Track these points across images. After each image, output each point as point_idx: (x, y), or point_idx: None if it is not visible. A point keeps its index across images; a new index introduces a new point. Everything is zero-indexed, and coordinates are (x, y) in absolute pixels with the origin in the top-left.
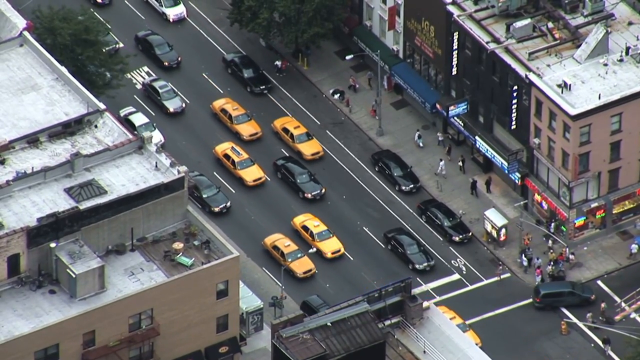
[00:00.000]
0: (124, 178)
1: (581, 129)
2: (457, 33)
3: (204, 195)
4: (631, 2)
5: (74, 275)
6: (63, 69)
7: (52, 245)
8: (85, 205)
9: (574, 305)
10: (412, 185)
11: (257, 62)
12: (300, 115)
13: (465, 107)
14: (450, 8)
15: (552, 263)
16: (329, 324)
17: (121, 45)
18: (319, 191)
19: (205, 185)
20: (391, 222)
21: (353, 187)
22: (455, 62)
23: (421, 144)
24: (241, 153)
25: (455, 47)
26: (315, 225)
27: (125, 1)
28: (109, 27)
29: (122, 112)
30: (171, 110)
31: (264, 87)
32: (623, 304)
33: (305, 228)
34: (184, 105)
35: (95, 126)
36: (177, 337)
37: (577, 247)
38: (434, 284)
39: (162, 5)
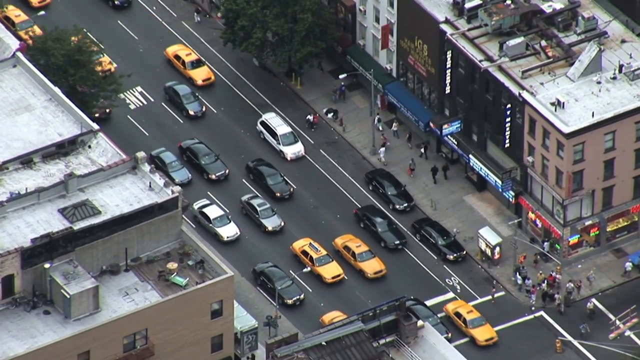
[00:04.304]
0: (118, 198)
1: (575, 147)
2: (450, 52)
3: (278, 287)
4: (624, 20)
5: (68, 296)
6: (56, 90)
7: (47, 265)
8: (79, 225)
9: None
10: (406, 204)
11: (384, 215)
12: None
13: (459, 125)
14: (444, 27)
15: (544, 282)
16: (323, 343)
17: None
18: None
19: (279, 277)
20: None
21: (347, 206)
22: (448, 80)
23: (380, 128)
24: (319, 249)
25: (448, 65)
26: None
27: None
28: (102, 47)
29: (197, 205)
30: (269, 228)
31: (399, 242)
32: (617, 322)
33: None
34: (282, 223)
35: (89, 146)
36: (171, 357)
37: (571, 265)
38: (429, 302)
39: (279, 143)
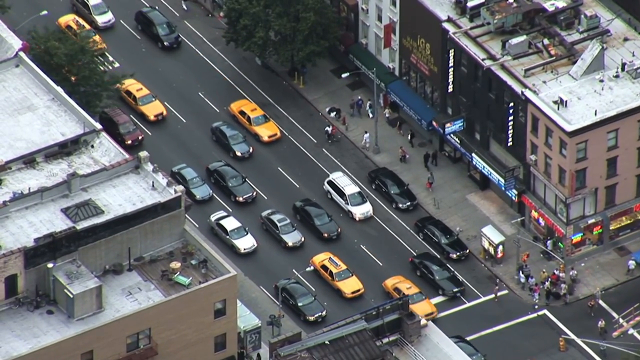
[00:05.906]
0: (120, 198)
1: (577, 145)
2: (452, 50)
3: (299, 304)
4: (626, 19)
5: (71, 296)
6: (59, 89)
7: (50, 265)
8: (82, 225)
9: None
10: (409, 203)
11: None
12: (296, 133)
13: (462, 124)
14: (446, 25)
15: (547, 280)
16: (326, 342)
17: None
18: None
19: (301, 293)
20: (388, 240)
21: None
22: (451, 79)
23: (371, 115)
24: (339, 264)
25: (451, 64)
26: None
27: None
28: (105, 47)
29: (213, 217)
30: (290, 244)
31: (457, 289)
32: (621, 320)
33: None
34: (302, 238)
35: (92, 146)
36: (175, 356)
37: (574, 263)
38: (432, 301)
39: (347, 203)
